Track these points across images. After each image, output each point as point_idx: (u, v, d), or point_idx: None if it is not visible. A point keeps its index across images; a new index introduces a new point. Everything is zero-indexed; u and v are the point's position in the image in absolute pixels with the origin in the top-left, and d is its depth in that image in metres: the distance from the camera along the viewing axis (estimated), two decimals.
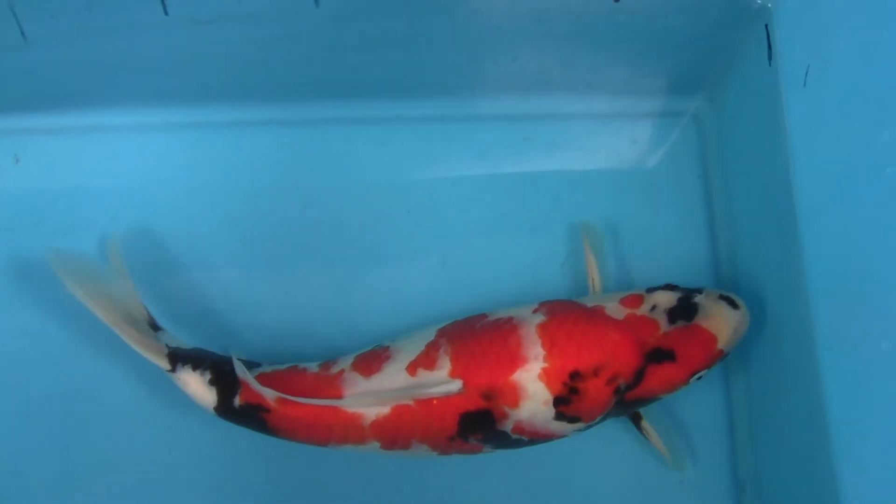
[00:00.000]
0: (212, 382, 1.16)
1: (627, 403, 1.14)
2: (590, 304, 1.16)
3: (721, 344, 1.13)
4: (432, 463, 1.27)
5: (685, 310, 1.14)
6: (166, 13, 1.18)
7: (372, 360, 1.15)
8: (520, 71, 1.31)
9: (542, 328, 1.11)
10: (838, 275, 1.05)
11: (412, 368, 1.12)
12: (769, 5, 1.17)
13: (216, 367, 1.17)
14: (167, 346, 1.17)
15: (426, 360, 1.12)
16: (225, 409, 1.16)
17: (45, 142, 1.34)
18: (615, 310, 1.14)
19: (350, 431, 1.12)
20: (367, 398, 1.11)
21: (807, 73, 1.09)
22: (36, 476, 1.26)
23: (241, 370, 1.13)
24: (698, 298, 1.15)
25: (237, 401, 1.15)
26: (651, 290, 1.17)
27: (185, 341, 1.21)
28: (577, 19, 1.22)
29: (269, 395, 1.12)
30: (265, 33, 1.24)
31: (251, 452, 1.27)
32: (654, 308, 1.14)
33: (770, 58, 1.17)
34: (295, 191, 1.34)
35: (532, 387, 1.08)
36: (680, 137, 1.37)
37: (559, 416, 1.10)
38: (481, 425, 1.11)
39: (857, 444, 1.02)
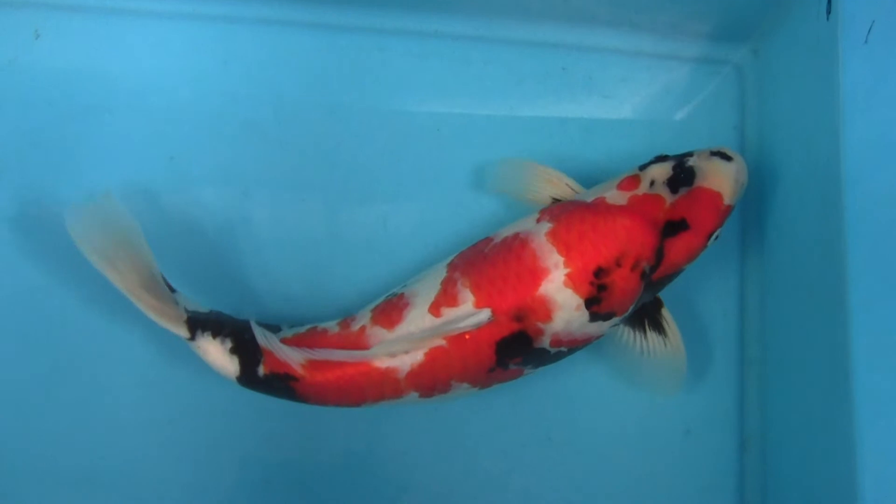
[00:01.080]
0: (233, 351, 1.12)
1: (655, 284, 1.13)
2: (590, 199, 1.13)
3: (727, 199, 1.11)
4: (439, 406, 1.25)
5: (683, 176, 1.12)
6: None
7: (390, 310, 1.12)
8: (564, 0, 1.28)
9: (553, 235, 1.08)
10: (879, 240, 1.04)
11: (435, 309, 1.09)
12: None
13: (236, 333, 1.13)
14: (185, 310, 1.12)
15: (446, 297, 1.09)
16: (249, 378, 1.12)
17: (67, 18, 1.29)
18: (616, 196, 1.12)
19: (386, 387, 1.10)
20: (401, 344, 1.08)
21: (870, 29, 1.07)
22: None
23: (262, 338, 1.10)
24: (692, 162, 1.13)
25: (261, 370, 1.11)
26: (643, 167, 1.15)
27: (199, 301, 1.16)
28: None
29: (296, 358, 1.09)
30: None
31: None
32: (652, 184, 1.12)
33: (829, 11, 1.14)
34: (321, 100, 1.30)
35: (560, 296, 1.06)
36: (720, 86, 1.34)
37: (594, 316, 1.08)
38: (519, 348, 1.08)
39: (882, 418, 1.01)
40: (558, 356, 1.12)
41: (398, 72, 1.31)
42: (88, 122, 1.26)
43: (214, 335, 1.12)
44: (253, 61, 1.29)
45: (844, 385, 1.04)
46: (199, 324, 1.12)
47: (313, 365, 1.09)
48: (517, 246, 1.09)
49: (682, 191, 1.11)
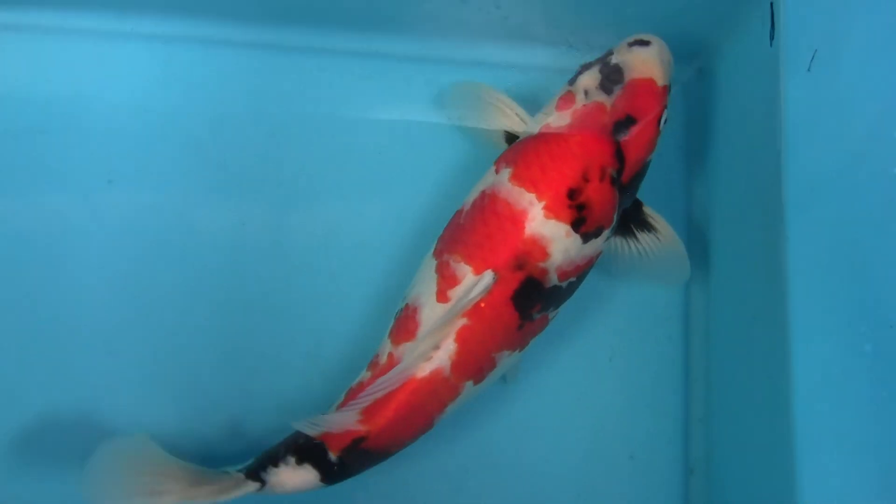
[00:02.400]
0: (299, 462, 1.11)
1: (629, 185, 1.13)
2: (535, 131, 1.14)
3: (660, 81, 1.11)
4: None
5: (612, 76, 1.11)
6: None
7: (405, 323, 1.11)
8: (501, 20, 1.29)
9: (516, 177, 1.09)
10: (822, 269, 1.04)
11: (442, 297, 1.09)
12: None
13: (289, 447, 1.12)
14: (236, 471, 1.12)
15: (447, 281, 1.09)
16: (329, 473, 1.12)
17: (3, 39, 1.27)
18: (559, 118, 1.12)
19: (441, 392, 1.10)
20: (427, 342, 1.07)
21: (813, 57, 1.07)
22: None
23: (311, 428, 1.09)
24: (615, 59, 1.12)
25: (331, 456, 1.11)
26: (572, 80, 1.14)
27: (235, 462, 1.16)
28: None
29: (349, 417, 1.09)
30: None
31: None
32: (587, 93, 1.12)
33: (772, 37, 1.15)
34: (261, 118, 1.30)
35: (547, 229, 1.07)
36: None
37: (585, 237, 1.09)
38: (533, 294, 1.09)
39: (823, 445, 1.02)
40: (571, 288, 1.13)
41: (338, 91, 1.31)
42: (25, 143, 1.25)
43: (275, 464, 1.11)
44: (192, 81, 1.29)
45: (785, 412, 1.05)
46: (257, 469, 1.12)
47: (368, 414, 1.08)
48: (488, 202, 1.10)
49: (617, 89, 1.11)
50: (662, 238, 1.20)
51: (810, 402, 1.03)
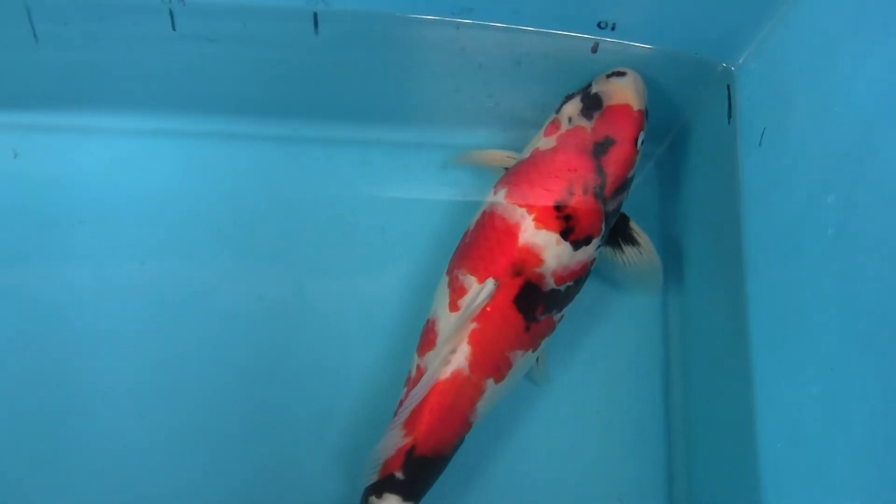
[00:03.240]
0: (379, 496, 1.20)
1: (612, 199, 1.22)
2: (527, 156, 1.25)
3: (636, 106, 1.22)
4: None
5: (592, 103, 1.22)
6: (174, 29, 1.26)
7: (427, 336, 1.22)
8: (494, 107, 1.40)
9: (510, 195, 1.21)
10: (778, 322, 1.15)
11: (453, 307, 1.20)
12: (732, 69, 1.28)
13: (366, 489, 1.21)
14: None
15: (456, 293, 1.20)
16: (407, 492, 1.20)
17: (42, 138, 1.40)
18: (546, 142, 1.24)
19: (467, 390, 1.18)
20: (446, 347, 1.17)
21: (762, 134, 1.20)
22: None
23: (375, 467, 1.19)
24: (595, 89, 1.23)
25: (399, 475, 1.19)
26: (558, 109, 1.26)
27: None
28: (555, 66, 1.32)
29: (395, 436, 1.18)
30: (263, 54, 1.31)
31: None
32: (570, 120, 1.23)
33: (730, 116, 1.27)
34: (275, 202, 1.41)
35: (539, 238, 1.17)
36: (643, 179, 1.45)
37: (575, 245, 1.20)
38: (533, 297, 1.19)
39: (786, 479, 1.11)
40: (570, 293, 1.22)
41: (344, 176, 1.42)
42: (65, 231, 1.37)
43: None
44: (212, 171, 1.40)
45: (752, 459, 1.15)
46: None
47: (409, 425, 1.17)
48: (487, 220, 1.22)
49: (596, 114, 1.22)
50: (644, 252, 1.30)
51: (775, 445, 1.14)
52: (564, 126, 1.23)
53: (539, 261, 1.18)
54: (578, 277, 1.22)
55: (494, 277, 1.17)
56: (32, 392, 1.33)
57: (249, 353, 1.36)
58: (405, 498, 1.20)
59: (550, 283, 1.19)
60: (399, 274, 1.40)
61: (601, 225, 1.22)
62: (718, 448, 1.28)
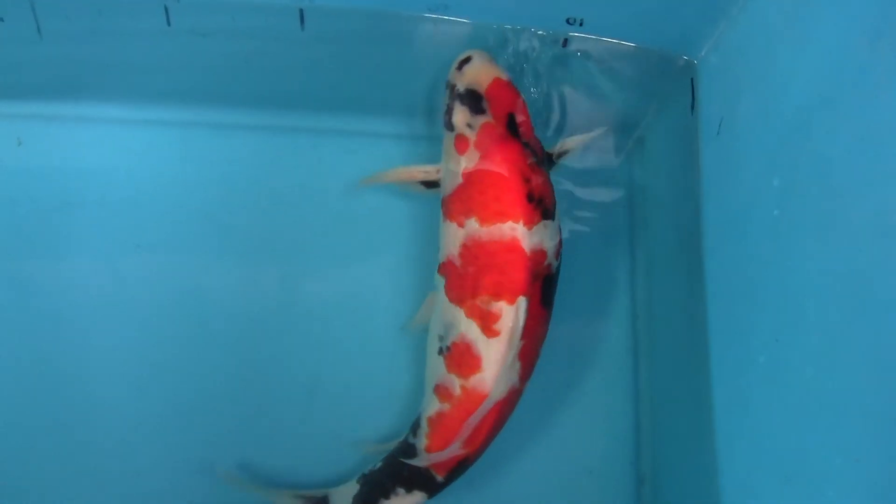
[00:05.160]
0: (409, 490, 1.27)
1: (543, 155, 1.24)
2: (460, 182, 1.21)
3: (502, 76, 1.22)
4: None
5: (473, 99, 1.21)
6: (169, 24, 1.33)
7: (465, 359, 1.20)
8: None
9: (484, 220, 1.17)
10: (731, 298, 1.23)
11: (489, 332, 1.17)
12: (695, 62, 1.35)
13: (395, 478, 1.28)
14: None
15: (488, 319, 1.17)
16: (435, 491, 1.28)
17: (45, 127, 1.46)
18: (470, 158, 1.20)
19: (515, 400, 1.23)
20: (508, 375, 1.19)
21: (720, 124, 1.27)
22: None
23: (421, 461, 1.24)
24: (462, 86, 1.22)
25: (438, 478, 1.26)
26: (450, 126, 1.23)
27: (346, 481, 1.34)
28: (527, 59, 1.38)
29: (452, 450, 1.23)
30: (253, 48, 1.39)
31: None
32: (470, 126, 1.21)
33: (693, 108, 1.35)
34: (264, 189, 1.48)
35: (536, 236, 1.16)
36: (614, 170, 1.52)
37: (553, 215, 1.20)
38: (550, 287, 1.21)
39: (737, 444, 1.20)
40: (557, 272, 1.23)
41: (329, 165, 1.48)
42: (65, 215, 1.43)
43: (387, 496, 1.27)
44: (206, 159, 1.47)
45: (708, 427, 1.24)
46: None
47: (469, 441, 1.22)
48: (481, 252, 1.18)
49: (485, 105, 1.21)
50: (574, 149, 1.33)
51: (727, 414, 1.22)
52: (471, 134, 1.21)
53: (544, 254, 1.18)
54: (559, 254, 1.23)
55: (523, 295, 1.16)
56: (30, 378, 1.40)
57: (244, 339, 1.42)
58: (430, 495, 1.27)
59: (554, 263, 1.20)
60: (387, 260, 1.46)
61: (551, 184, 1.22)
62: (680, 419, 1.36)
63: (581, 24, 1.33)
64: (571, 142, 1.32)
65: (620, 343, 1.48)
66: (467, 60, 1.24)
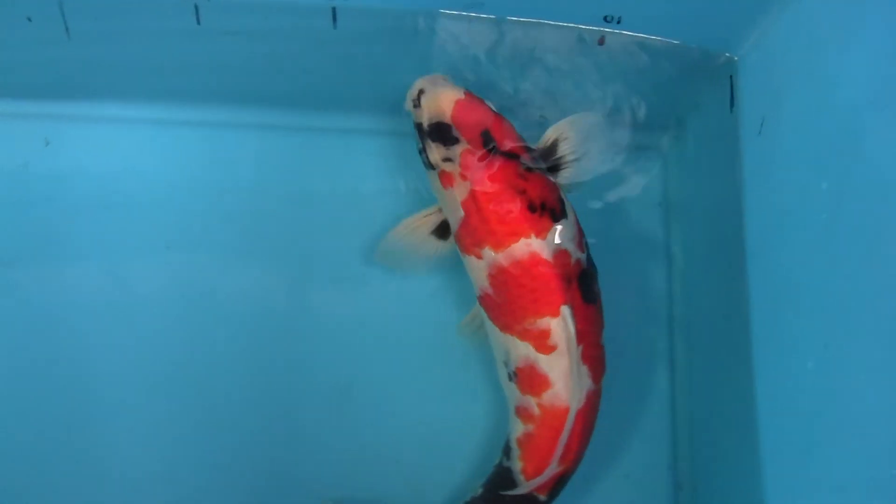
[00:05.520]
0: None
1: (530, 156, 1.20)
2: (460, 215, 1.19)
3: (460, 96, 1.18)
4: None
5: (443, 132, 1.19)
6: (199, 23, 1.31)
7: (534, 380, 1.19)
8: (505, 97, 1.41)
9: (498, 245, 1.16)
10: (776, 302, 1.21)
11: (545, 349, 1.17)
12: (735, 59, 1.33)
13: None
14: None
15: (539, 338, 1.17)
16: None
17: (72, 128, 1.45)
18: (461, 190, 1.18)
19: (596, 402, 1.22)
20: (578, 385, 1.17)
21: (762, 123, 1.25)
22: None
23: (526, 488, 1.22)
24: (428, 122, 1.19)
25: (542, 498, 1.24)
26: (429, 166, 1.22)
27: None
28: (564, 57, 1.37)
29: (550, 471, 1.20)
30: (284, 48, 1.37)
31: None
32: (448, 159, 1.18)
33: (732, 106, 1.32)
34: (296, 191, 1.46)
35: (554, 242, 1.15)
36: (645, 168, 1.49)
37: (564, 212, 1.17)
38: (588, 281, 1.19)
39: (784, 450, 1.17)
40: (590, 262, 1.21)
41: (361, 167, 1.46)
42: (93, 215, 1.42)
43: None
44: (235, 160, 1.45)
45: (752, 434, 1.22)
46: None
47: (563, 457, 1.20)
48: (509, 278, 1.16)
49: (455, 132, 1.18)
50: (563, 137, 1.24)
51: (773, 420, 1.20)
52: (453, 167, 1.19)
53: (567, 255, 1.16)
54: (579, 226, 1.21)
55: (564, 304, 1.15)
56: (56, 378, 1.38)
57: (269, 341, 1.41)
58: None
59: (581, 256, 1.18)
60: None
61: (551, 179, 1.20)
62: (720, 425, 1.34)
63: (619, 22, 1.31)
64: (554, 131, 1.24)
65: (657, 346, 1.46)
66: (421, 93, 1.20)
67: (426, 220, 1.28)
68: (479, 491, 1.28)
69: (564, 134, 1.23)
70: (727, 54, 1.34)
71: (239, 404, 1.39)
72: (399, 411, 1.40)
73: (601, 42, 1.34)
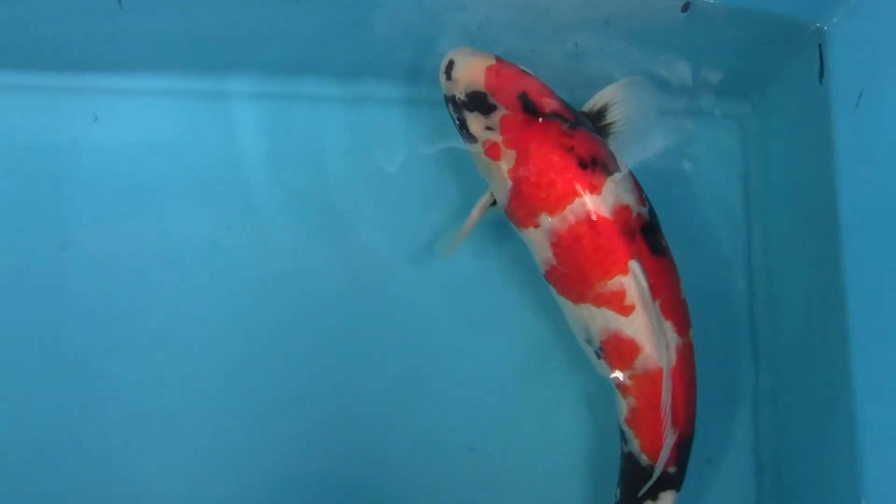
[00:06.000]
0: (654, 499, 1.22)
1: (572, 113, 1.18)
2: (510, 185, 1.17)
3: (490, 63, 1.17)
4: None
5: (478, 100, 1.17)
6: None
7: (623, 349, 1.16)
8: (580, 66, 1.37)
9: (553, 210, 1.14)
10: (875, 284, 1.16)
11: (624, 311, 1.14)
12: (825, 28, 1.27)
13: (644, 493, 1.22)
14: None
15: (614, 301, 1.14)
16: (680, 482, 1.22)
17: (120, 102, 1.38)
18: (507, 160, 1.16)
19: (689, 355, 1.18)
20: (662, 342, 1.14)
21: (860, 96, 1.19)
22: None
23: (658, 470, 1.18)
24: (462, 93, 1.17)
25: (672, 470, 1.20)
26: (471, 140, 1.19)
27: None
28: (643, 25, 1.31)
29: (670, 438, 1.17)
30: (348, 15, 1.31)
31: None
32: (489, 128, 1.17)
33: (821, 77, 1.26)
34: (358, 164, 1.39)
35: (610, 197, 1.12)
36: (724, 138, 1.44)
37: (615, 165, 1.14)
38: (653, 231, 1.16)
39: (883, 443, 1.13)
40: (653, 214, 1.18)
41: (425, 136, 1.40)
42: (148, 196, 1.36)
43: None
44: (298, 134, 1.38)
45: (848, 413, 1.17)
46: None
47: (673, 423, 1.17)
48: (572, 239, 1.14)
49: (491, 100, 1.16)
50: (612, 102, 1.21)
51: (872, 407, 1.15)
52: (495, 135, 1.17)
53: (627, 208, 1.13)
54: (635, 180, 1.18)
55: (631, 259, 1.12)
56: (121, 346, 1.33)
57: (334, 319, 1.35)
58: (677, 489, 1.22)
59: (643, 210, 1.16)
60: (492, 247, 1.39)
61: (598, 137, 1.17)
62: (808, 409, 1.30)
63: None
64: (604, 94, 1.21)
65: (738, 328, 1.42)
66: (451, 66, 1.19)
67: (482, 209, 1.26)
68: (618, 493, 1.26)
69: (615, 98, 1.21)
70: (816, 24, 1.28)
71: (303, 390, 1.34)
72: (472, 396, 1.36)
73: (684, 9, 1.28)
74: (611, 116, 1.20)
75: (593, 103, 1.21)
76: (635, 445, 1.20)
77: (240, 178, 1.37)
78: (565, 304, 1.20)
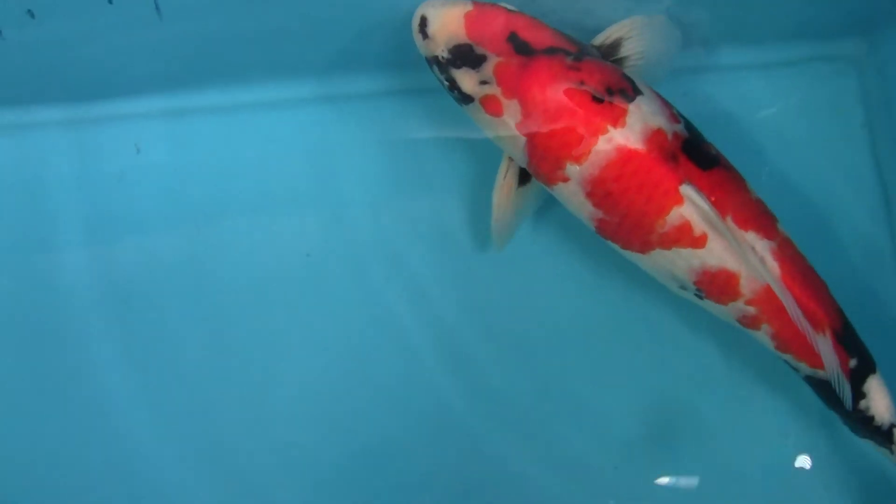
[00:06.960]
0: None
1: (576, 45, 1.09)
2: (524, 139, 1.08)
3: (469, 9, 1.08)
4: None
5: (465, 54, 1.08)
6: None
7: (723, 281, 1.06)
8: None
9: (577, 159, 1.05)
10: None
11: (698, 244, 1.05)
12: None
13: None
14: None
15: (679, 237, 1.05)
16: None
17: (163, 126, 1.30)
18: (512, 112, 1.07)
19: (790, 251, 1.07)
20: (753, 255, 1.03)
21: None
22: None
23: (846, 400, 1.07)
24: (441, 53, 1.08)
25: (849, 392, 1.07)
26: (466, 100, 1.10)
27: None
28: None
29: (826, 346, 1.04)
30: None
31: None
32: (485, 82, 1.07)
33: None
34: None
35: (638, 125, 1.03)
36: (840, 85, 1.32)
37: (637, 89, 1.05)
38: (697, 145, 1.06)
39: None
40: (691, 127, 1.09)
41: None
42: (213, 228, 1.28)
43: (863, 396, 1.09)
44: (371, 139, 1.30)
45: None
46: None
47: (816, 320, 1.04)
48: (616, 186, 1.05)
49: (479, 49, 1.07)
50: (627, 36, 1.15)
51: None
52: (491, 88, 1.08)
53: (660, 131, 1.03)
54: (661, 98, 1.09)
55: (681, 183, 1.02)
56: (206, 372, 1.27)
57: (443, 349, 1.28)
58: (873, 370, 1.09)
59: (678, 127, 1.06)
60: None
61: (608, 63, 1.09)
62: None
63: None
64: (617, 28, 1.14)
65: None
66: (424, 22, 1.09)
67: (507, 182, 1.17)
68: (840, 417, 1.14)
69: (629, 33, 1.14)
70: None
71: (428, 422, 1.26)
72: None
73: None
74: (625, 51, 1.13)
75: (605, 36, 1.14)
76: (804, 367, 1.10)
77: (314, 196, 1.30)
78: (636, 258, 1.11)
